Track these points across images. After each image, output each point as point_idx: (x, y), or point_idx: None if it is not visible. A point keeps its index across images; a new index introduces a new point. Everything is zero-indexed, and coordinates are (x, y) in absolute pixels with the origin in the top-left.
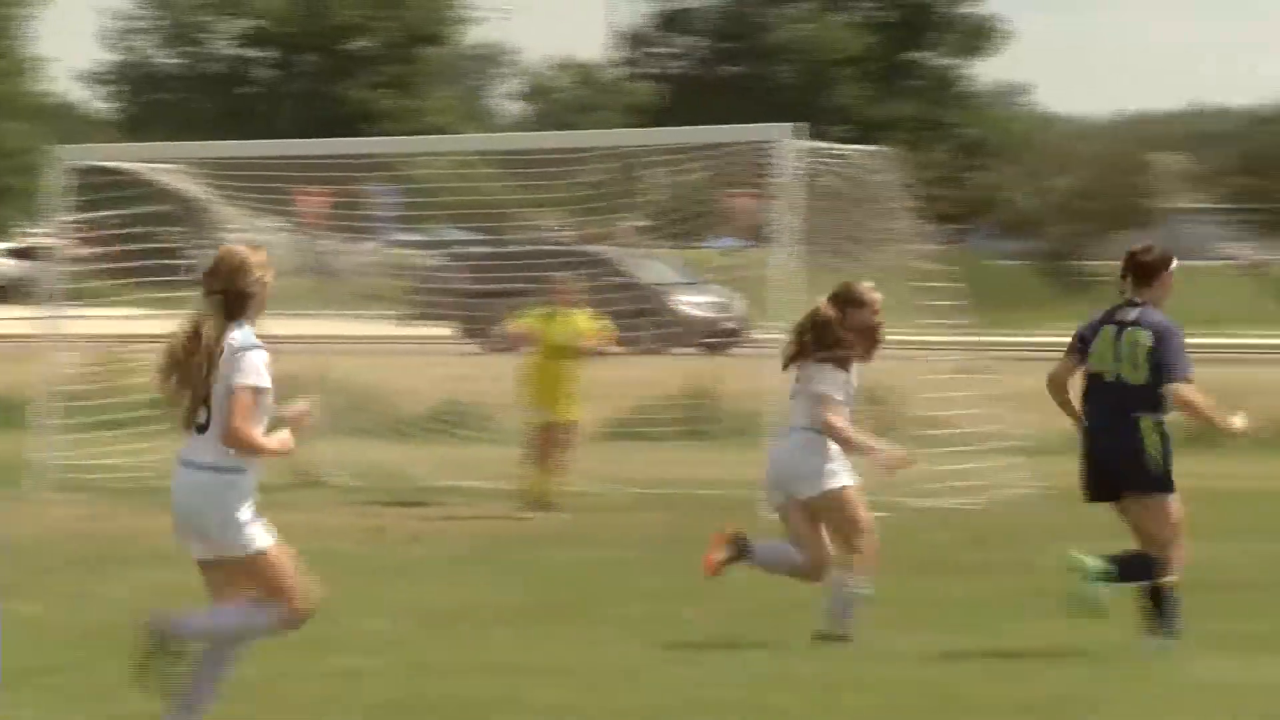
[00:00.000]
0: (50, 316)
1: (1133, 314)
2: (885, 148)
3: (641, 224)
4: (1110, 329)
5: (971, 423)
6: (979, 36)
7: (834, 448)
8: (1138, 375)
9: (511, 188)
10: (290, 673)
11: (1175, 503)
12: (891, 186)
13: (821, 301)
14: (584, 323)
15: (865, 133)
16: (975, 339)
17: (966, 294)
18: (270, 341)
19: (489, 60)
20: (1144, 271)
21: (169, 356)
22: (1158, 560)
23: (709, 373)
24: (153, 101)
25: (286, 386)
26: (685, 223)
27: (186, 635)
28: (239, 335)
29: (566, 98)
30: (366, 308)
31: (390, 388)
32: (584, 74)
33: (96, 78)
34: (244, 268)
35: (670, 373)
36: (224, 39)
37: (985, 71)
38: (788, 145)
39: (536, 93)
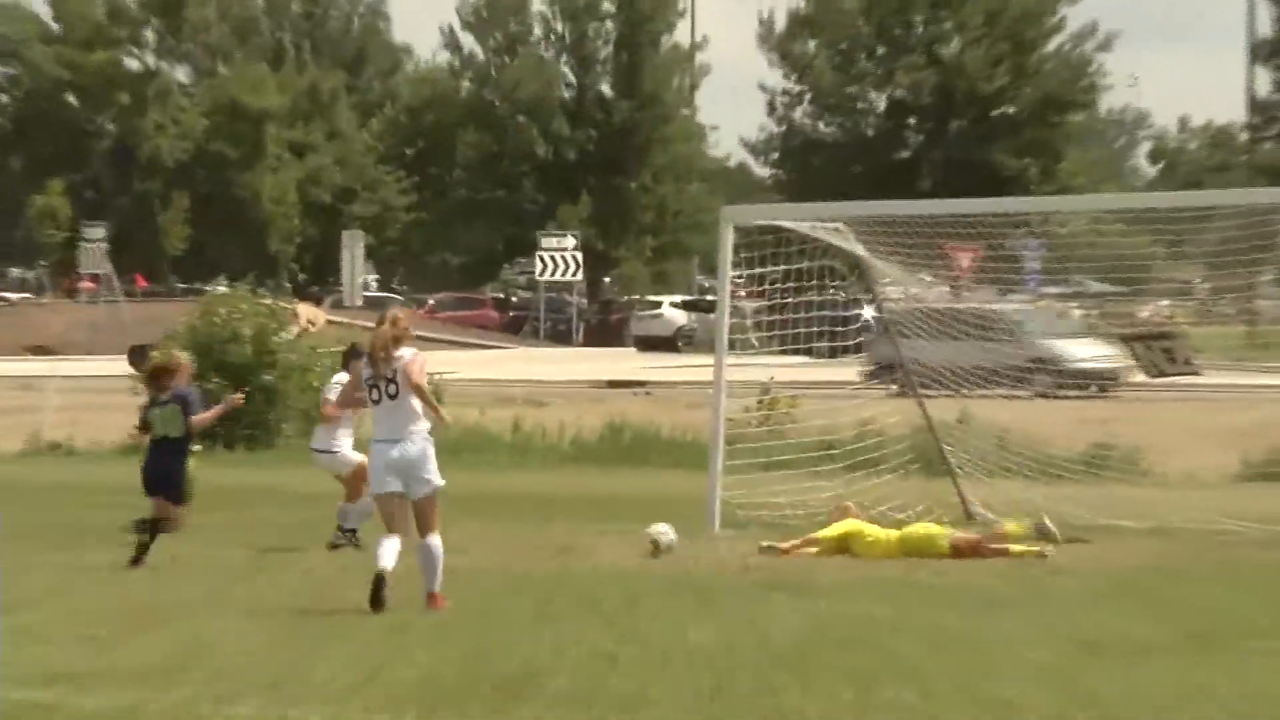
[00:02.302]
0: (717, 364)
1: None
2: None
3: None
4: None
5: None
6: None
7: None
8: None
9: (1144, 243)
10: (948, 699)
11: None
12: None
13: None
14: None
15: None
16: None
17: None
18: None
19: (1120, 124)
20: None
21: None
22: None
23: None
24: (810, 167)
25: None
26: None
27: None
28: None
29: (1197, 159)
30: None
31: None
32: (1215, 137)
33: (760, 146)
34: None
35: None
36: (875, 110)
37: None
38: None
39: (1168, 154)
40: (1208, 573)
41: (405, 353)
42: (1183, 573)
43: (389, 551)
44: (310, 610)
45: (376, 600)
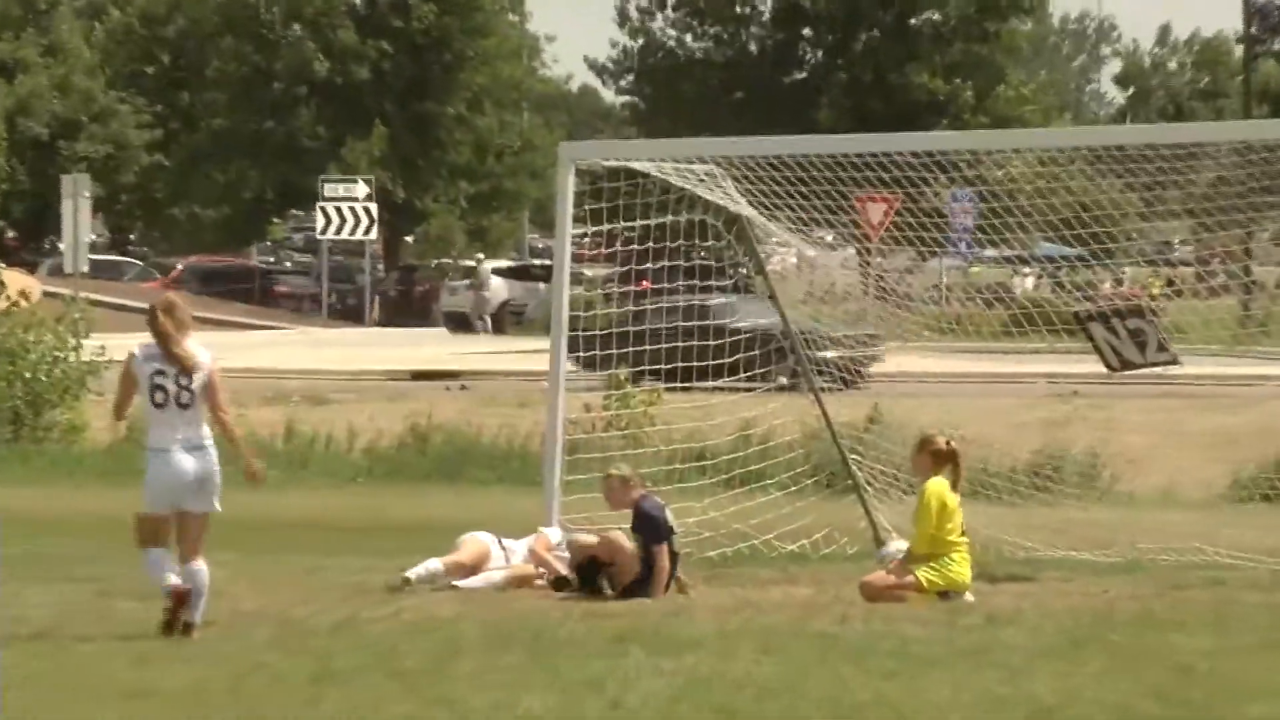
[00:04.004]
0: (554, 349)
1: None
2: None
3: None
4: None
5: None
6: None
7: None
8: None
9: (1110, 192)
10: None
11: None
12: None
13: None
14: None
15: None
16: None
17: None
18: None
19: (1079, 37)
20: None
21: None
22: None
23: None
24: (675, 92)
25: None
26: None
27: None
28: None
29: (1179, 82)
30: (941, 339)
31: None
32: (1202, 53)
33: (609, 65)
34: None
35: None
36: (760, 18)
37: None
38: None
39: (1141, 76)
40: (1189, 620)
41: (204, 356)
42: (1157, 620)
43: (164, 565)
44: (22, 663)
45: (175, 623)
